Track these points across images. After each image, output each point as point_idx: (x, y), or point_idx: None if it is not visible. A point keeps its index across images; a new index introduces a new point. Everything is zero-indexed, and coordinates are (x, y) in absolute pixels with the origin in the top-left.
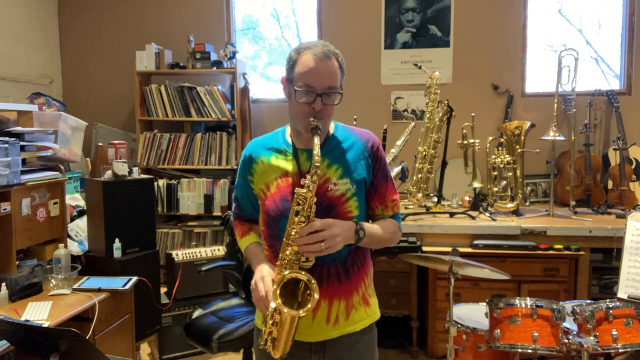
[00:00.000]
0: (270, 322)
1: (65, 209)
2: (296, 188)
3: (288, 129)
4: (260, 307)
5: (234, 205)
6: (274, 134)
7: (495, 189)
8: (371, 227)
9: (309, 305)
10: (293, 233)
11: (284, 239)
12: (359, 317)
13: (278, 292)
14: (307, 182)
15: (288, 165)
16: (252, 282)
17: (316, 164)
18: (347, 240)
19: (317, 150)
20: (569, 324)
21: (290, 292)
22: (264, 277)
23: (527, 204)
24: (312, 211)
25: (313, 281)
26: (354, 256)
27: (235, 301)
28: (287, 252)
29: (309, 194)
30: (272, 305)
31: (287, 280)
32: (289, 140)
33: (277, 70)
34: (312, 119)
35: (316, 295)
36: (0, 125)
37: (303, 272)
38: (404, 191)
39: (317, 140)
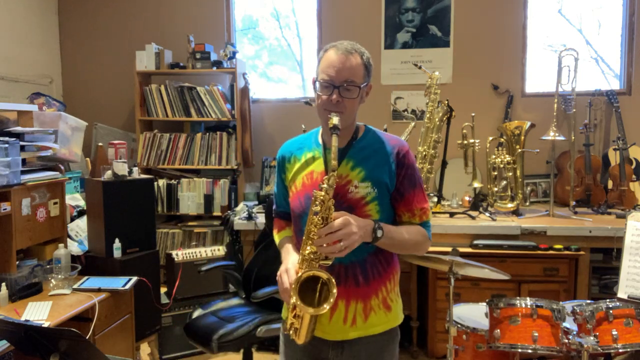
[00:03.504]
0: (292, 314)
1: (65, 209)
2: (314, 190)
3: (321, 131)
4: (284, 298)
5: (274, 205)
6: (309, 134)
7: (495, 189)
8: (392, 228)
9: (326, 305)
10: (312, 234)
11: (304, 238)
12: (378, 320)
13: (297, 289)
14: (324, 185)
15: (316, 164)
16: (278, 273)
17: (332, 169)
18: (364, 238)
19: (334, 150)
20: (569, 324)
21: (312, 287)
22: (288, 270)
23: (527, 204)
24: (330, 213)
25: (332, 280)
26: (375, 260)
27: (235, 301)
28: (307, 251)
29: (327, 197)
30: (292, 299)
31: (307, 278)
32: (320, 140)
33: (278, 70)
34: (330, 115)
35: (333, 296)
36: (0, 125)
37: (322, 271)
38: None
39: (335, 142)
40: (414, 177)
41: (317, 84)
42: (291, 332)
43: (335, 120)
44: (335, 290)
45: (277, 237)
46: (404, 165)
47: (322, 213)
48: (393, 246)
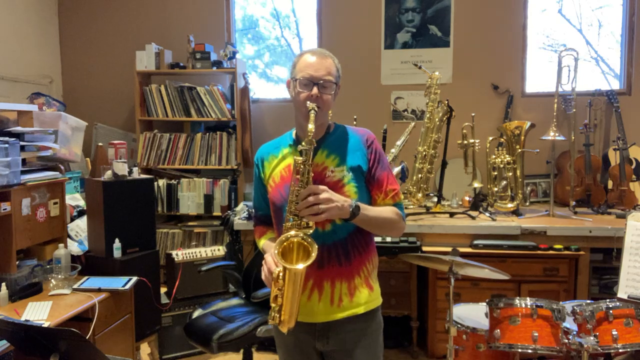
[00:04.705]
0: (276, 288)
1: (65, 209)
2: (294, 157)
3: (294, 130)
4: (267, 282)
5: (253, 211)
6: (284, 135)
7: (495, 189)
8: (368, 206)
9: (313, 255)
10: (294, 206)
11: (287, 207)
12: (363, 299)
13: (278, 252)
14: (303, 147)
15: (292, 157)
16: (263, 262)
17: (309, 132)
18: (342, 211)
19: (312, 118)
20: (569, 324)
21: (294, 259)
22: (273, 254)
23: (527, 204)
24: (309, 177)
25: (307, 236)
26: (354, 239)
27: (235, 301)
28: (290, 222)
29: (307, 160)
30: (278, 269)
31: (287, 246)
32: (295, 137)
33: (278, 70)
34: (309, 104)
35: (314, 248)
36: (0, 125)
37: (296, 232)
38: (404, 191)
39: (312, 116)
40: (384, 162)
41: (297, 83)
42: (274, 315)
43: (312, 104)
44: (315, 244)
45: (260, 242)
46: (373, 150)
47: (303, 178)
48: (370, 223)
